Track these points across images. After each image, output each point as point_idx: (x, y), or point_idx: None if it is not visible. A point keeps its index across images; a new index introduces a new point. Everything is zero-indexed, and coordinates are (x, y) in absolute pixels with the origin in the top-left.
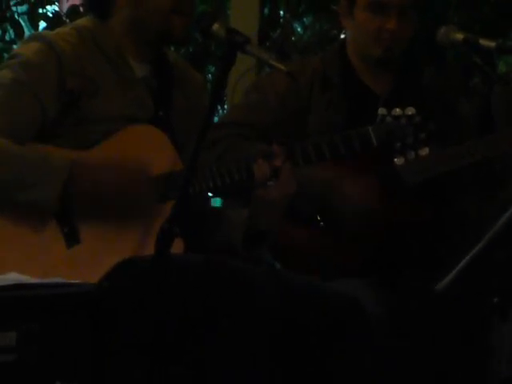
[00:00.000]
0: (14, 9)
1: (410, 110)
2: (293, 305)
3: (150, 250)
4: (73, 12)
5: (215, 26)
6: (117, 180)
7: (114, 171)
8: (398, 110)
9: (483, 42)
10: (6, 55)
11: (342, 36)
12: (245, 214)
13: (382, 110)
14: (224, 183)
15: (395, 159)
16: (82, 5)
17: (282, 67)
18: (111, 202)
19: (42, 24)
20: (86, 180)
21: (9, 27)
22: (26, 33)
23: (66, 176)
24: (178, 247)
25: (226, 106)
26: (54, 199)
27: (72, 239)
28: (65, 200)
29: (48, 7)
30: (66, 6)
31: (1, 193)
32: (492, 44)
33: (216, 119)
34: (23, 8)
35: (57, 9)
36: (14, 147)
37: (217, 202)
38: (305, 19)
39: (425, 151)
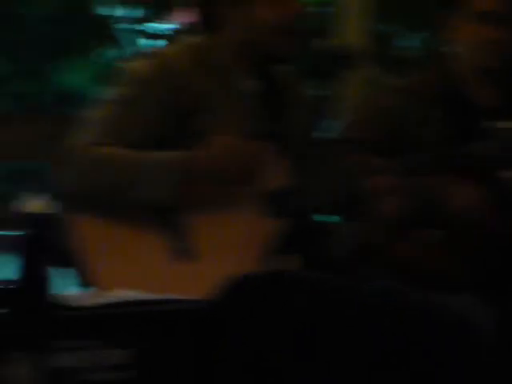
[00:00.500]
0: (121, 26)
1: None
2: (406, 324)
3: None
4: (184, 29)
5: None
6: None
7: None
8: (506, 123)
9: None
10: (115, 71)
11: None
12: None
13: (489, 124)
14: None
15: (503, 172)
16: (193, 22)
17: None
18: (227, 181)
19: (151, 41)
20: (201, 167)
21: (117, 44)
22: (134, 50)
23: (181, 168)
24: (294, 264)
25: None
26: (172, 192)
27: (184, 254)
28: (181, 192)
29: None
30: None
31: (119, 194)
32: None
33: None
34: (130, 25)
35: (168, 26)
36: (130, 152)
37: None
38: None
39: None
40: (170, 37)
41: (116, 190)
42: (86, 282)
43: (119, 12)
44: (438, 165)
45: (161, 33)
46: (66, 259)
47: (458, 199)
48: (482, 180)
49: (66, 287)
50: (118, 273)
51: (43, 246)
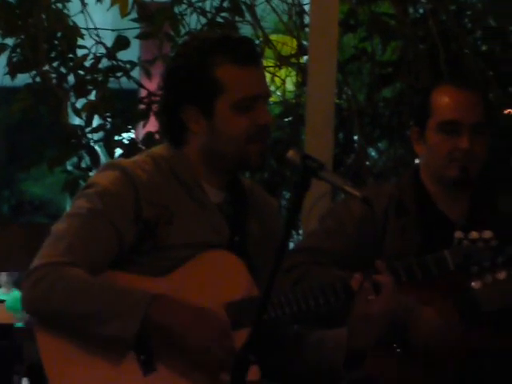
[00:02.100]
0: (89, 136)
1: (487, 234)
2: None
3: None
4: (148, 139)
5: (290, 153)
6: (194, 325)
7: (191, 315)
8: (474, 233)
9: None
10: (81, 182)
11: (417, 161)
12: (344, 334)
13: (458, 234)
14: (312, 306)
15: (472, 283)
16: (158, 132)
17: (357, 193)
18: (188, 341)
19: (118, 151)
20: (163, 316)
21: (85, 154)
22: (102, 160)
23: (145, 312)
24: (254, 375)
25: (300, 232)
26: (133, 334)
27: (148, 367)
28: (143, 333)
29: (124, 134)
30: (141, 133)
31: (80, 325)
32: None
33: (291, 245)
34: (99, 135)
35: (133, 136)
36: (93, 280)
37: None
38: (379, 144)
39: (502, 275)
40: (135, 147)
41: (78, 321)
42: None
43: (88, 122)
44: (408, 275)
45: (127, 143)
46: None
47: (426, 314)
48: (451, 291)
49: None
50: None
51: (13, 357)
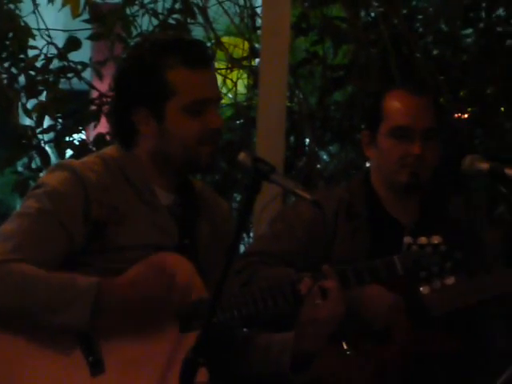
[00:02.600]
0: (40, 136)
1: (436, 239)
2: None
3: (174, 380)
4: (99, 140)
5: (241, 155)
6: (144, 290)
7: (140, 285)
8: (423, 238)
9: (509, 171)
10: (32, 183)
11: (368, 164)
12: (291, 337)
13: (407, 239)
14: (261, 309)
15: (421, 288)
16: (109, 133)
17: (307, 196)
18: (138, 316)
19: (69, 152)
20: (113, 298)
21: (35, 155)
22: (53, 161)
23: (94, 297)
24: (202, 377)
25: (251, 235)
26: (85, 319)
27: (96, 368)
28: (95, 318)
29: (74, 135)
30: (92, 134)
31: (30, 317)
32: None
33: (242, 248)
34: (50, 136)
35: (83, 137)
36: (41, 272)
37: None
38: (330, 148)
39: (451, 280)
40: (86, 149)
41: (26, 313)
42: None
43: (39, 123)
44: (357, 279)
45: (77, 144)
46: None
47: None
48: (401, 294)
49: None
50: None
51: None
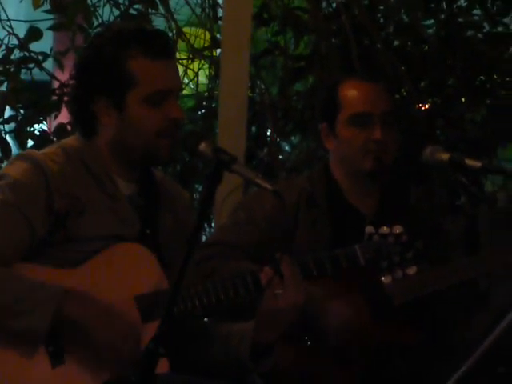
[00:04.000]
0: (0, 127)
1: (398, 229)
2: None
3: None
4: (60, 130)
5: (202, 146)
6: (104, 323)
7: (101, 312)
8: (385, 228)
9: (469, 161)
10: None
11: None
12: (250, 327)
13: (369, 229)
14: (222, 299)
15: (382, 278)
16: (69, 123)
17: (268, 186)
18: (96, 338)
19: (30, 142)
20: (74, 311)
21: None
22: (14, 151)
23: (56, 306)
24: (163, 367)
25: (212, 225)
26: (44, 329)
27: (56, 359)
28: (54, 326)
29: (35, 126)
30: (53, 125)
31: None
32: (478, 164)
33: (203, 238)
34: (10, 126)
35: (44, 127)
36: (5, 272)
37: None
38: (292, 138)
39: (412, 270)
40: (47, 139)
41: None
42: None
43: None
44: (318, 269)
45: (38, 135)
46: None
47: (335, 306)
48: (360, 286)
49: None
50: None
51: None
